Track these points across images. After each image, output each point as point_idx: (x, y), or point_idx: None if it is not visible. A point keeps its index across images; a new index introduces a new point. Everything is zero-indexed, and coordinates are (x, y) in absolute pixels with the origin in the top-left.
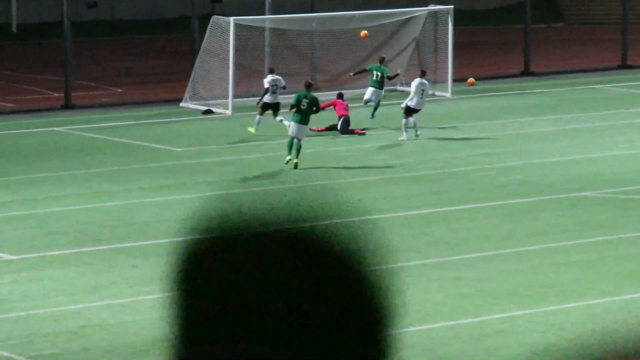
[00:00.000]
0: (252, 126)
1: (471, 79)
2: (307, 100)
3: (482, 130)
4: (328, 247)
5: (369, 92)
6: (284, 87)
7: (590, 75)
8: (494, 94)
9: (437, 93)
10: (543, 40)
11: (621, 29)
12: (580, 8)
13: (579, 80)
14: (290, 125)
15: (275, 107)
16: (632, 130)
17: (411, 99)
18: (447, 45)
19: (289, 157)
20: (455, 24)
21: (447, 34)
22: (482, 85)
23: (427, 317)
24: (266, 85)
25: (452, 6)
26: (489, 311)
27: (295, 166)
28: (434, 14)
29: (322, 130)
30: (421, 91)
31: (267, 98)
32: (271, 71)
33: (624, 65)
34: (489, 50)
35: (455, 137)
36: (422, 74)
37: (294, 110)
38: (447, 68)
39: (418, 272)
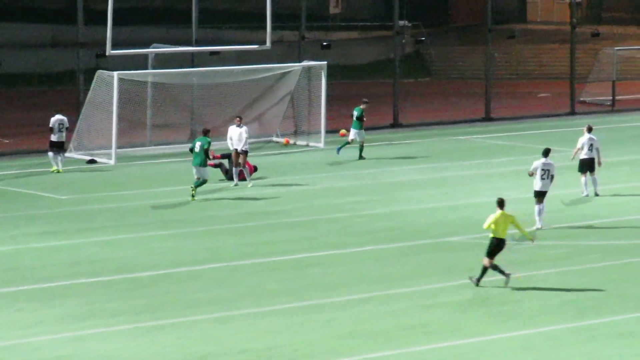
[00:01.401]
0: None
1: (343, 131)
2: (200, 143)
3: (355, 178)
4: None
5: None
6: (67, 128)
7: (456, 127)
8: (365, 144)
9: (310, 144)
10: (411, 94)
11: (485, 84)
12: (446, 64)
13: (446, 131)
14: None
15: (59, 145)
16: (496, 179)
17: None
18: (321, 99)
19: (192, 191)
20: (329, 78)
21: (321, 88)
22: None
23: (302, 357)
24: (51, 124)
25: (326, 62)
26: (362, 351)
27: (193, 196)
28: (308, 69)
29: (217, 158)
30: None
31: (53, 137)
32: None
33: (488, 118)
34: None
35: (330, 185)
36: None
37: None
38: (320, 120)
39: (293, 314)
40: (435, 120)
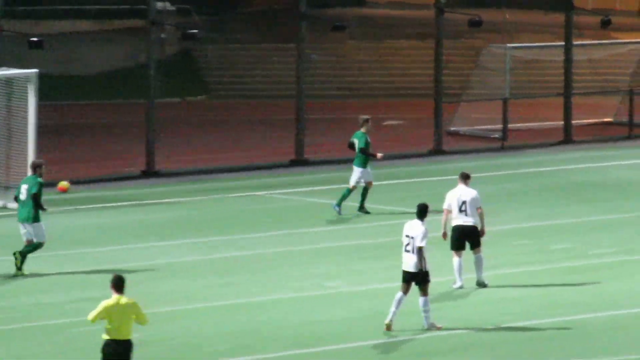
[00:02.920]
0: None
1: (63, 183)
2: (26, 187)
3: (83, 257)
4: None
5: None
6: None
7: (248, 176)
8: (108, 205)
9: (9, 204)
10: (173, 124)
11: (296, 105)
12: (233, 72)
13: (232, 185)
14: None
15: None
16: (312, 259)
17: None
18: (27, 130)
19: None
20: (43, 97)
21: (27, 111)
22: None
23: None
24: None
25: (37, 70)
26: None
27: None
28: (6, 81)
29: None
30: None
31: None
32: None
33: (300, 161)
34: (104, 148)
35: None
36: None
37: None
38: (26, 164)
39: None
40: (213, 167)
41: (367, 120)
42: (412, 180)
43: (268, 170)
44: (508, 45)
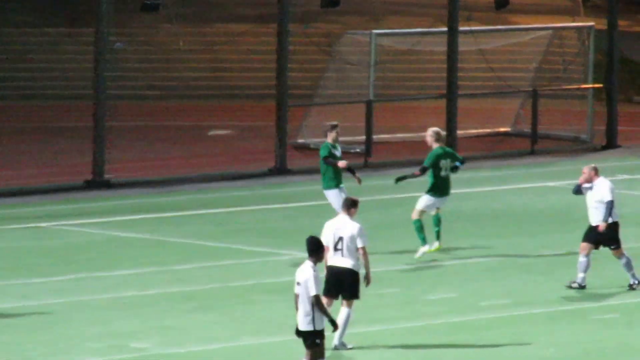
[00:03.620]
0: None
1: None
2: None
3: None
4: None
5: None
6: None
7: (21, 204)
8: None
9: None
10: None
11: (95, 108)
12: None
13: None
14: None
15: None
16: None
17: None
18: None
19: None
20: None
21: None
22: None
23: None
24: None
25: None
26: None
27: None
28: None
29: None
30: None
31: None
32: None
33: (101, 182)
34: None
35: None
36: None
37: None
38: None
39: None
40: None
41: (333, 127)
42: (247, 208)
43: (54, 194)
44: (373, 31)
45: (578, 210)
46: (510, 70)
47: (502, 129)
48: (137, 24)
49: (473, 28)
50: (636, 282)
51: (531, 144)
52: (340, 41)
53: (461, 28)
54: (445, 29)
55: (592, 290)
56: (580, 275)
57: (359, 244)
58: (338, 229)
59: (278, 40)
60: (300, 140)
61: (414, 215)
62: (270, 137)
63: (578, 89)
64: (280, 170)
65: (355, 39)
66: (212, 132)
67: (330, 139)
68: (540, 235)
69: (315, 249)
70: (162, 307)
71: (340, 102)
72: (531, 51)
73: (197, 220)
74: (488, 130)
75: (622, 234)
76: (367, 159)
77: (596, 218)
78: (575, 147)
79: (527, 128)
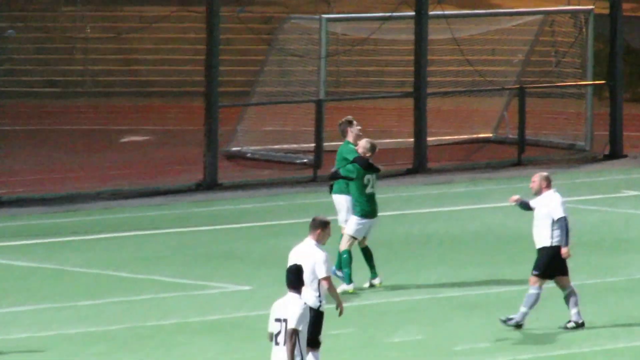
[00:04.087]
0: None
1: None
2: None
3: None
4: None
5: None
6: None
7: None
8: None
9: None
10: None
11: None
12: None
13: None
14: None
15: None
16: None
17: None
18: None
19: None
20: None
21: None
22: None
23: None
24: None
25: None
26: None
27: None
28: None
29: None
30: None
31: None
32: None
33: None
34: None
35: None
36: None
37: None
38: None
39: None
40: None
41: (349, 122)
42: (168, 230)
43: None
44: (323, 16)
45: (571, 234)
46: (491, 64)
47: (481, 135)
48: (33, 6)
49: (446, 12)
50: (579, 321)
51: (517, 152)
52: (283, 28)
53: (431, 12)
54: (412, 13)
55: (592, 330)
56: (523, 309)
57: (323, 274)
58: (299, 257)
59: (207, 26)
60: (234, 148)
61: (344, 245)
62: (197, 144)
63: (574, 86)
64: (210, 184)
65: (301, 25)
66: (125, 139)
67: (351, 137)
68: (526, 262)
69: (299, 277)
70: (62, 351)
71: (284, 102)
72: (517, 40)
73: (107, 246)
74: (465, 137)
75: (631, 261)
76: (317, 171)
77: (541, 238)
78: (571, 156)
79: (512, 134)
